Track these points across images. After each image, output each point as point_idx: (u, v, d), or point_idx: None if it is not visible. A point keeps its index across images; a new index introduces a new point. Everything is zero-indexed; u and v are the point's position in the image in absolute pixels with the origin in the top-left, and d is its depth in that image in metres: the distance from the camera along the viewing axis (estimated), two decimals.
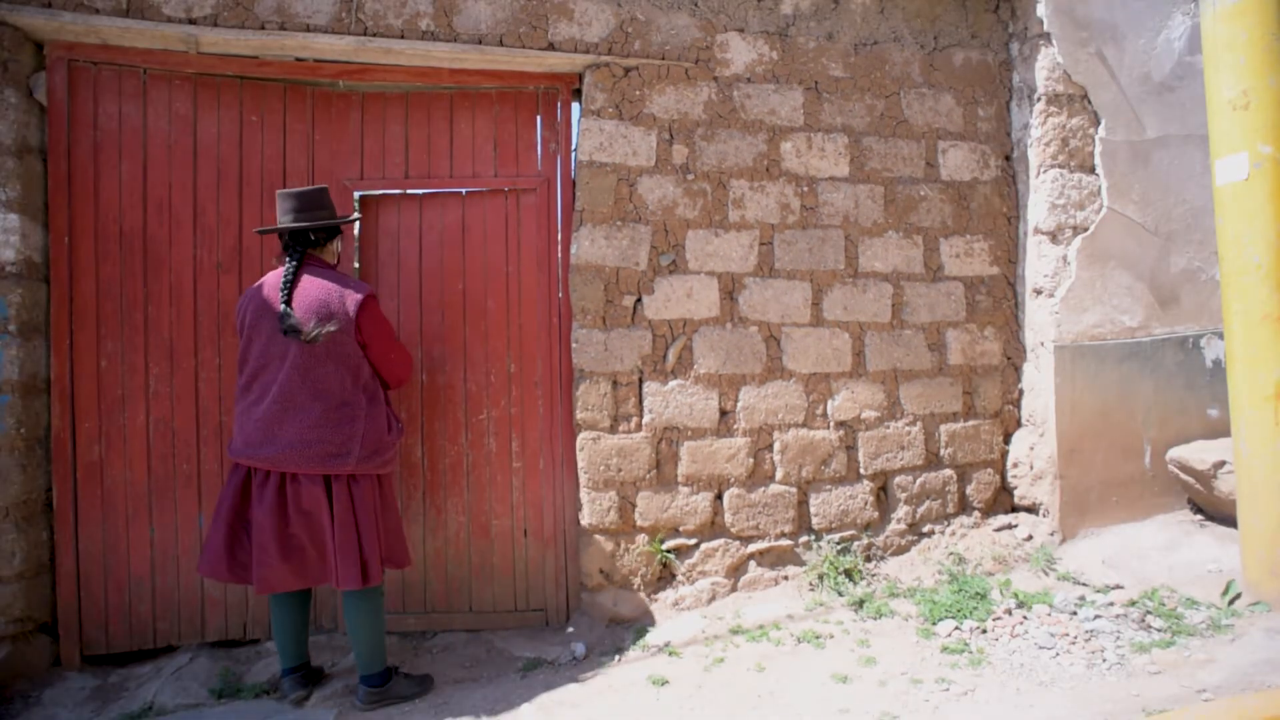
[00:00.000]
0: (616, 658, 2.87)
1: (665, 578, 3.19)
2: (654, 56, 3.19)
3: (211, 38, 2.85)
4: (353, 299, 2.49)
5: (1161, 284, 3.57)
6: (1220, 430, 3.44)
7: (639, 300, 3.17)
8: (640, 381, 3.17)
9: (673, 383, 3.19)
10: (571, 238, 3.14)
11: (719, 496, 3.24)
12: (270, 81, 3.03)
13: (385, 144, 3.12)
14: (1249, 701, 2.04)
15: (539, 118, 3.24)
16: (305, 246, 2.56)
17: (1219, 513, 3.33)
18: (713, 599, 3.16)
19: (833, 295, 3.37)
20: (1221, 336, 3.25)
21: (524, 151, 3.22)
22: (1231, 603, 2.79)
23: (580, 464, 3.12)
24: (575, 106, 3.24)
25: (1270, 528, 2.73)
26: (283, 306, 2.43)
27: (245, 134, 3.01)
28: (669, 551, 3.17)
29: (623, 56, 3.16)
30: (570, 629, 3.09)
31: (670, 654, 2.82)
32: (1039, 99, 3.46)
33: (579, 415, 3.11)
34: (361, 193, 3.10)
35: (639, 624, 3.06)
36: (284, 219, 2.55)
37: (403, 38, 2.97)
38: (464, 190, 3.17)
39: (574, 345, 3.12)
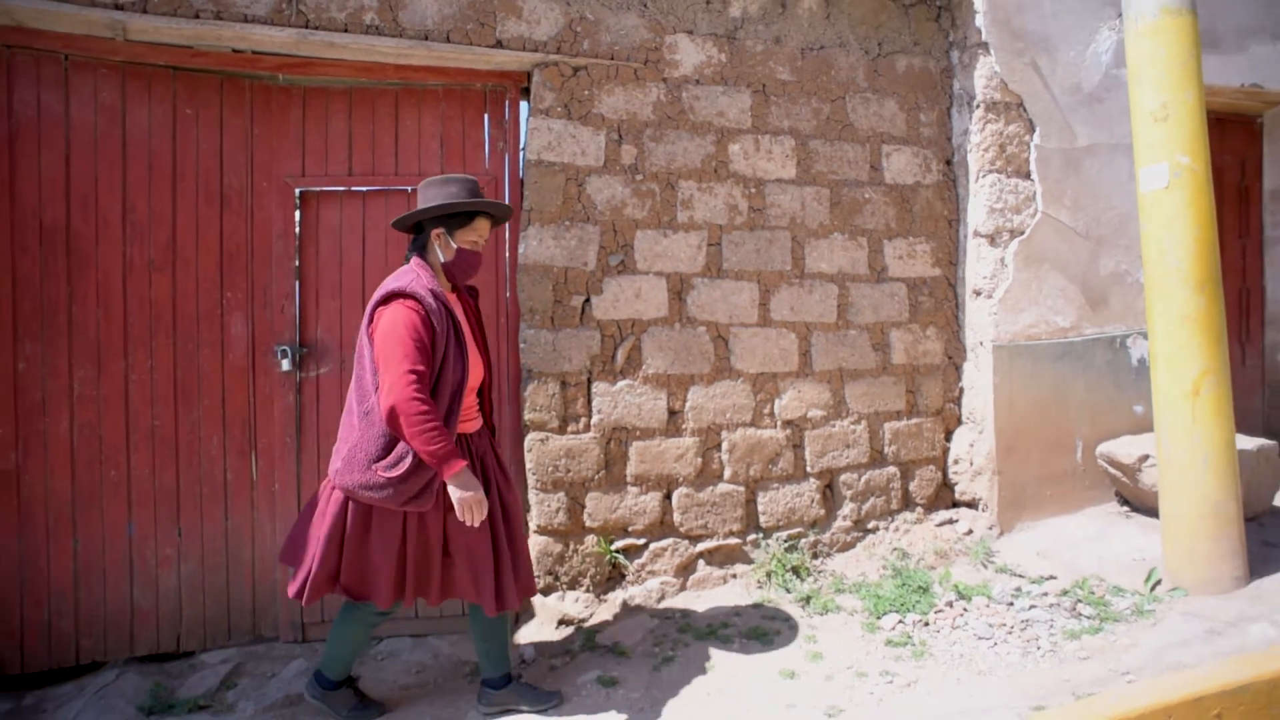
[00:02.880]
0: (566, 659, 2.86)
1: (615, 578, 3.19)
2: (603, 56, 3.19)
3: (140, 25, 2.73)
4: (379, 293, 2.27)
5: (1092, 286, 3.72)
6: (1145, 426, 3.60)
7: (587, 300, 3.17)
8: (589, 382, 3.16)
9: (621, 383, 3.19)
10: (519, 237, 3.12)
11: (668, 496, 3.25)
12: (206, 73, 2.92)
13: (328, 140, 3.05)
14: (1165, 681, 2.14)
15: (486, 116, 3.20)
16: (415, 242, 2.43)
17: (1143, 504, 3.48)
18: (662, 598, 3.18)
19: (780, 296, 3.41)
20: (1146, 337, 3.39)
21: (471, 150, 3.18)
22: (1154, 589, 2.92)
23: (528, 465, 3.10)
24: (524, 105, 3.22)
25: (1188, 517, 2.86)
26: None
27: (179, 127, 2.90)
28: (618, 552, 3.18)
29: (571, 56, 3.14)
30: (519, 631, 3.07)
31: (619, 654, 2.83)
32: (978, 106, 3.56)
33: (527, 416, 3.09)
34: (303, 189, 3.02)
35: (588, 625, 3.05)
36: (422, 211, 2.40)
37: (346, 31, 2.90)
38: (410, 188, 3.11)
39: (522, 345, 3.10)
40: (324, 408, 3.03)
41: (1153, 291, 2.95)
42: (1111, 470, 3.57)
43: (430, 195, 2.37)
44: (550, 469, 3.10)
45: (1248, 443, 3.29)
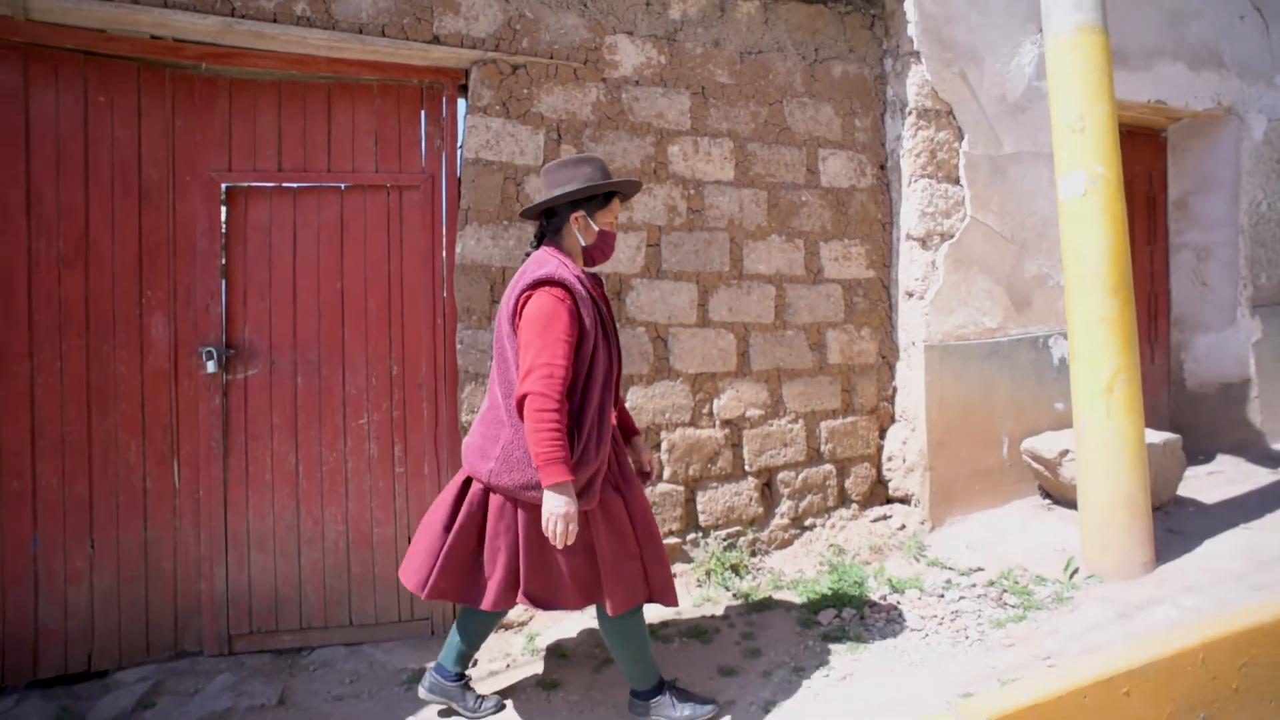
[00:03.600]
0: (506, 664, 2.83)
1: None
2: (542, 55, 3.16)
3: (45, 4, 2.56)
4: (522, 282, 2.13)
5: (1017, 288, 3.87)
6: (1065, 422, 3.76)
7: None
8: None
9: None
10: (457, 237, 3.07)
11: None
12: (121, 60, 2.78)
13: (256, 134, 2.94)
14: (1081, 664, 2.24)
15: (423, 113, 3.14)
16: (543, 229, 2.34)
17: (1064, 497, 3.64)
18: None
19: (719, 296, 3.45)
20: (1066, 337, 3.55)
21: (407, 147, 3.11)
22: (1072, 577, 3.05)
23: None
24: (461, 103, 3.17)
25: (1103, 508, 3.01)
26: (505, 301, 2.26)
27: (91, 115, 2.75)
28: None
29: (510, 54, 3.11)
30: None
31: (561, 657, 2.81)
32: (910, 113, 3.67)
33: (464, 417, 3.04)
34: (229, 184, 2.91)
35: (529, 628, 3.02)
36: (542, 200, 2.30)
37: (275, 22, 2.80)
38: (343, 185, 3.04)
39: (459, 346, 3.05)
40: (253, 411, 2.92)
41: (1072, 294, 3.09)
42: (1035, 465, 3.72)
43: (563, 177, 2.26)
44: None
45: (1155, 437, 3.48)
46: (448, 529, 2.22)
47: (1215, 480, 4.02)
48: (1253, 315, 4.55)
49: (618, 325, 3.25)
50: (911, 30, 3.61)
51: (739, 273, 3.49)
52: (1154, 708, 2.21)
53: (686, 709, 2.33)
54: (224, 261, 2.91)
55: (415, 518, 3.08)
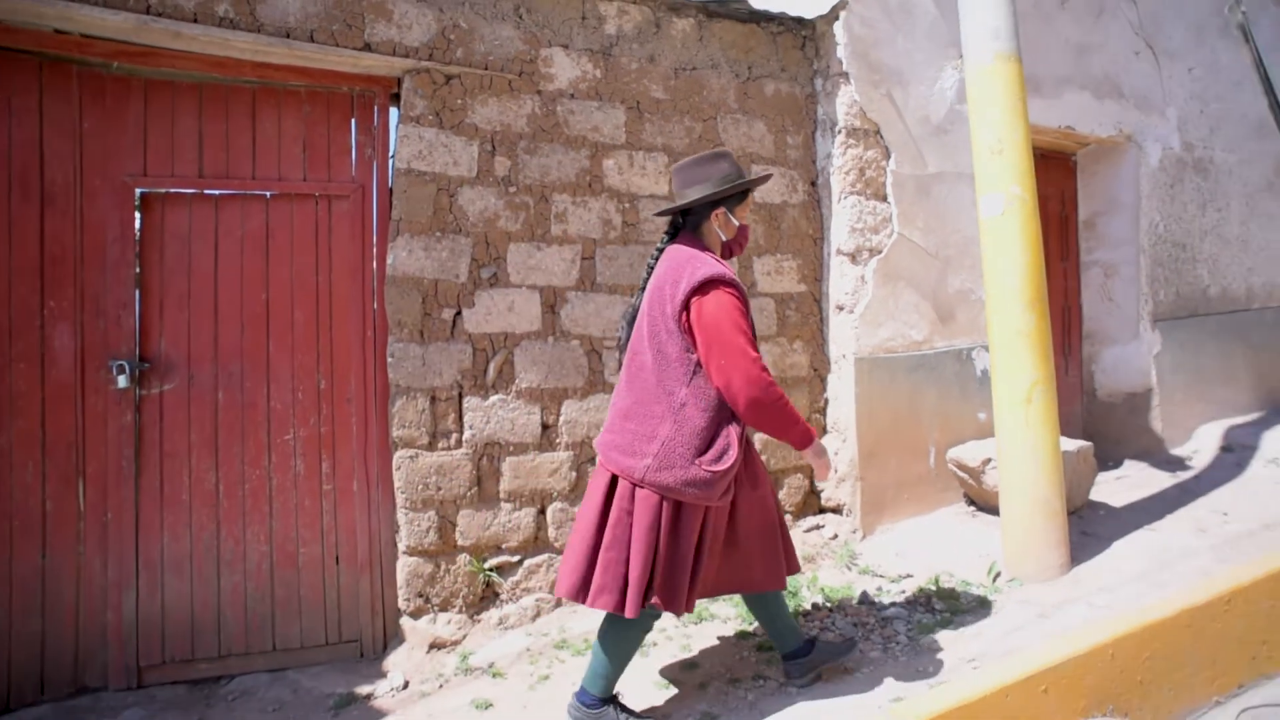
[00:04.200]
0: (438, 684, 2.76)
1: (488, 597, 3.11)
2: (477, 66, 3.14)
3: None
4: (689, 281, 2.12)
5: (942, 302, 4.01)
6: (988, 431, 3.91)
7: (459, 313, 3.09)
8: (460, 397, 3.08)
9: (494, 397, 3.13)
10: (388, 248, 3.01)
11: (542, 511, 3.21)
12: (21, 54, 2.62)
13: (175, 138, 2.82)
14: (1003, 664, 2.33)
15: (354, 121, 3.07)
16: (677, 227, 2.36)
17: (987, 504, 3.77)
18: (538, 615, 3.13)
19: None
20: (987, 349, 3.69)
21: (337, 156, 3.04)
22: (995, 580, 3.16)
23: (397, 483, 2.98)
24: (394, 112, 3.11)
25: (1022, 513, 3.13)
26: (637, 295, 2.35)
27: None
28: (492, 570, 3.10)
29: (444, 64, 3.07)
30: (388, 658, 2.93)
31: (494, 675, 2.76)
32: (840, 131, 3.77)
33: (396, 432, 2.97)
34: (145, 190, 2.78)
35: (462, 647, 2.96)
36: (676, 198, 2.34)
37: (196, 22, 2.69)
38: (269, 193, 2.94)
39: (390, 360, 2.98)
40: (170, 427, 2.79)
41: (992, 308, 3.21)
42: (960, 473, 3.85)
43: (700, 174, 2.28)
44: (420, 487, 2.99)
45: (1069, 444, 3.64)
46: (599, 530, 2.19)
47: (1123, 484, 4.23)
48: (1153, 329, 4.83)
49: (553, 338, 3.24)
50: (841, 52, 3.73)
51: None
52: (1069, 702, 2.31)
53: (835, 651, 2.54)
54: (138, 271, 2.78)
55: (344, 536, 2.98)
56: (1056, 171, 4.97)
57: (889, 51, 3.86)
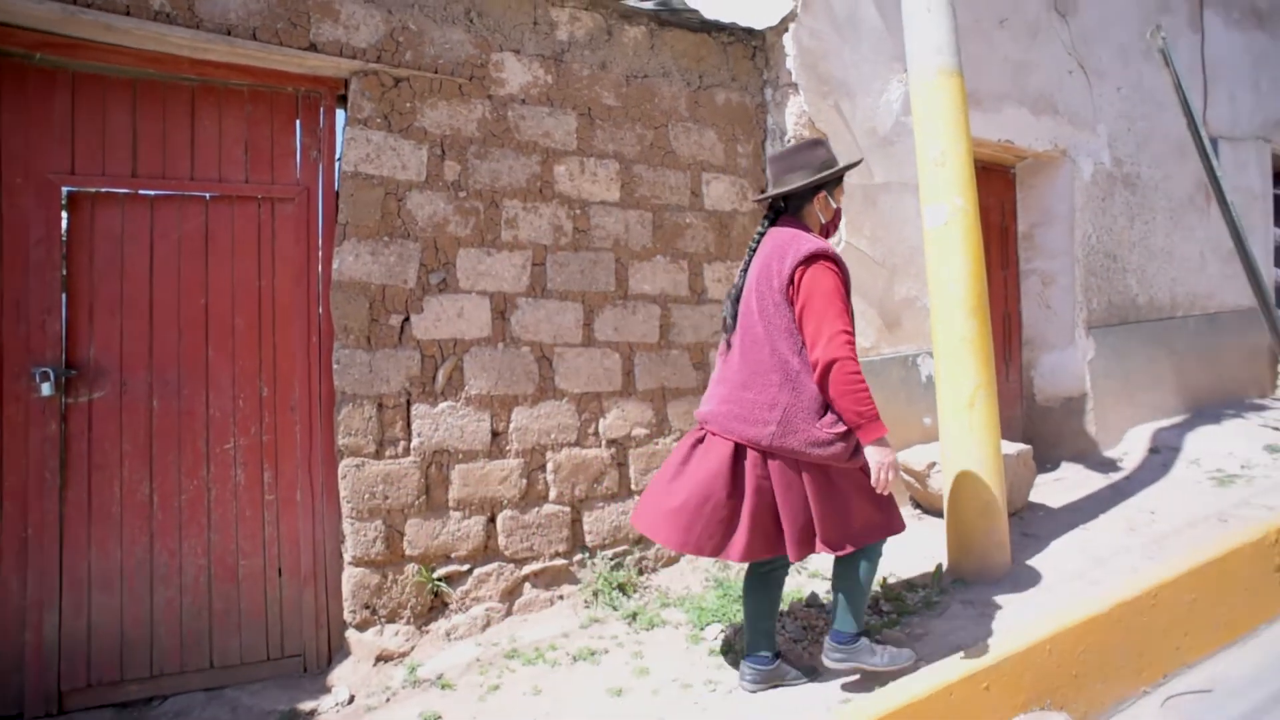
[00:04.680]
0: (385, 698, 2.70)
1: (437, 607, 3.06)
2: (427, 69, 3.10)
3: None
4: (795, 255, 2.26)
5: (888, 310, 4.10)
6: (932, 436, 4.00)
7: (407, 319, 3.04)
8: (408, 404, 3.03)
9: (443, 404, 3.09)
10: (334, 252, 2.94)
11: (492, 520, 3.18)
12: None
13: (106, 135, 2.71)
14: (946, 663, 2.39)
15: (299, 122, 3.00)
16: (778, 211, 2.50)
17: (932, 507, 3.86)
18: (487, 625, 3.09)
19: (604, 316, 3.46)
20: (932, 355, 3.78)
21: (281, 157, 2.96)
22: (940, 582, 3.24)
23: (343, 493, 2.91)
24: (340, 114, 3.05)
25: (966, 516, 3.21)
26: (740, 277, 2.45)
27: None
28: (441, 580, 3.05)
29: (393, 66, 3.03)
30: (333, 672, 2.86)
31: (443, 686, 2.71)
32: (789, 141, 3.83)
33: (341, 441, 2.90)
34: (72, 189, 2.66)
35: (410, 659, 2.90)
36: (774, 185, 2.48)
37: (129, 15, 2.59)
38: (208, 195, 2.85)
39: (336, 366, 2.91)
40: (99, 437, 2.67)
41: (936, 316, 3.30)
42: (906, 477, 3.93)
43: (800, 161, 2.43)
44: (367, 496, 2.93)
45: (1010, 448, 3.76)
46: (732, 496, 2.29)
47: (1060, 486, 4.39)
48: (1088, 336, 5.03)
49: (503, 345, 3.21)
50: (790, 63, 3.79)
51: (624, 293, 3.52)
52: (1010, 698, 2.38)
53: (886, 655, 2.46)
54: (65, 273, 2.66)
55: (287, 547, 2.90)
56: (997, 183, 5.14)
57: (837, 64, 3.95)
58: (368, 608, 2.92)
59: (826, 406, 2.26)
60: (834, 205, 2.52)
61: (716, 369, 2.49)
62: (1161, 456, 4.75)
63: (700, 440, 2.41)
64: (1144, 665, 2.62)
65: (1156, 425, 5.27)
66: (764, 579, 2.51)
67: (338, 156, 3.02)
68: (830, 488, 2.29)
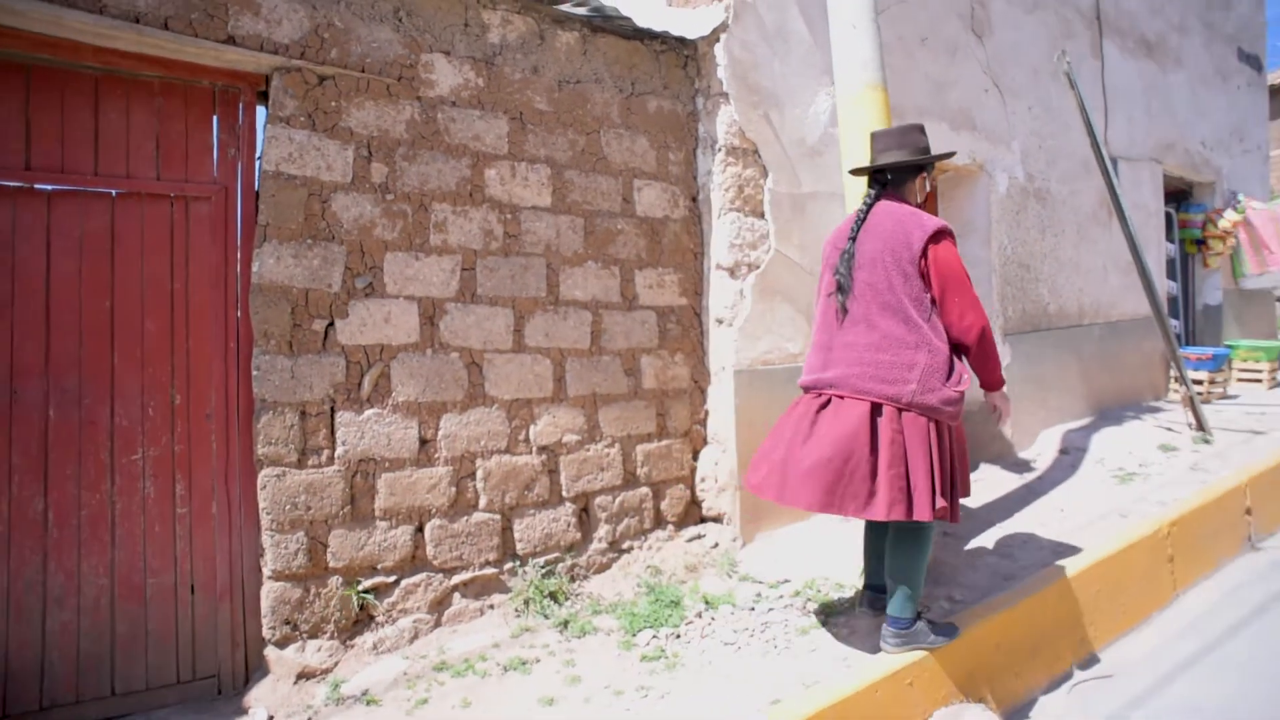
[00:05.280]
0: (307, 717, 2.60)
1: (363, 620, 2.97)
2: (353, 68, 3.02)
3: None
4: (922, 231, 2.46)
5: (816, 317, 4.19)
6: None
7: (331, 325, 2.95)
8: (333, 411, 2.94)
9: (369, 412, 3.00)
10: (254, 254, 2.83)
11: (420, 529, 3.10)
12: None
13: None
14: (870, 662, 2.45)
15: (216, 118, 2.88)
16: (883, 184, 2.65)
17: None
18: (415, 637, 3.01)
19: (535, 322, 3.44)
20: None
21: (196, 154, 2.84)
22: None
23: (263, 504, 2.79)
24: (261, 111, 2.94)
25: None
26: (848, 244, 2.58)
27: None
28: (366, 592, 2.96)
29: (318, 63, 2.94)
30: (250, 693, 2.74)
31: (369, 702, 2.63)
32: (720, 150, 3.89)
33: (261, 450, 2.79)
34: None
35: (333, 675, 2.80)
36: (875, 158, 2.67)
37: None
38: (114, 192, 2.70)
39: (255, 373, 2.80)
40: None
41: None
42: None
43: (903, 141, 2.65)
44: (288, 507, 2.82)
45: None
46: (872, 452, 2.40)
47: (980, 486, 4.56)
48: (1004, 342, 5.26)
49: (432, 351, 3.15)
50: (721, 73, 3.85)
51: (556, 298, 3.51)
52: (933, 693, 2.46)
53: (939, 637, 2.55)
54: None
55: (201, 563, 2.77)
56: None
57: (767, 75, 4.03)
58: (288, 623, 2.81)
59: (952, 368, 2.46)
60: (929, 187, 2.77)
61: (822, 336, 2.64)
62: (1070, 457, 5.01)
63: (824, 405, 2.53)
64: (1054, 656, 2.75)
65: (1066, 427, 5.55)
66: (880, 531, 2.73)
67: (258, 155, 2.91)
68: (943, 448, 2.47)
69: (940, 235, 2.50)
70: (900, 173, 2.67)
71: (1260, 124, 8.97)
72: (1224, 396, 6.72)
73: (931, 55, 4.91)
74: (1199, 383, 6.54)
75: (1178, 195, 8.03)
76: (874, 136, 2.74)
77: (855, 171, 2.81)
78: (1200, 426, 5.21)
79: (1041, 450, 5.22)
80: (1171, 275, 7.84)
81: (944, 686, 2.50)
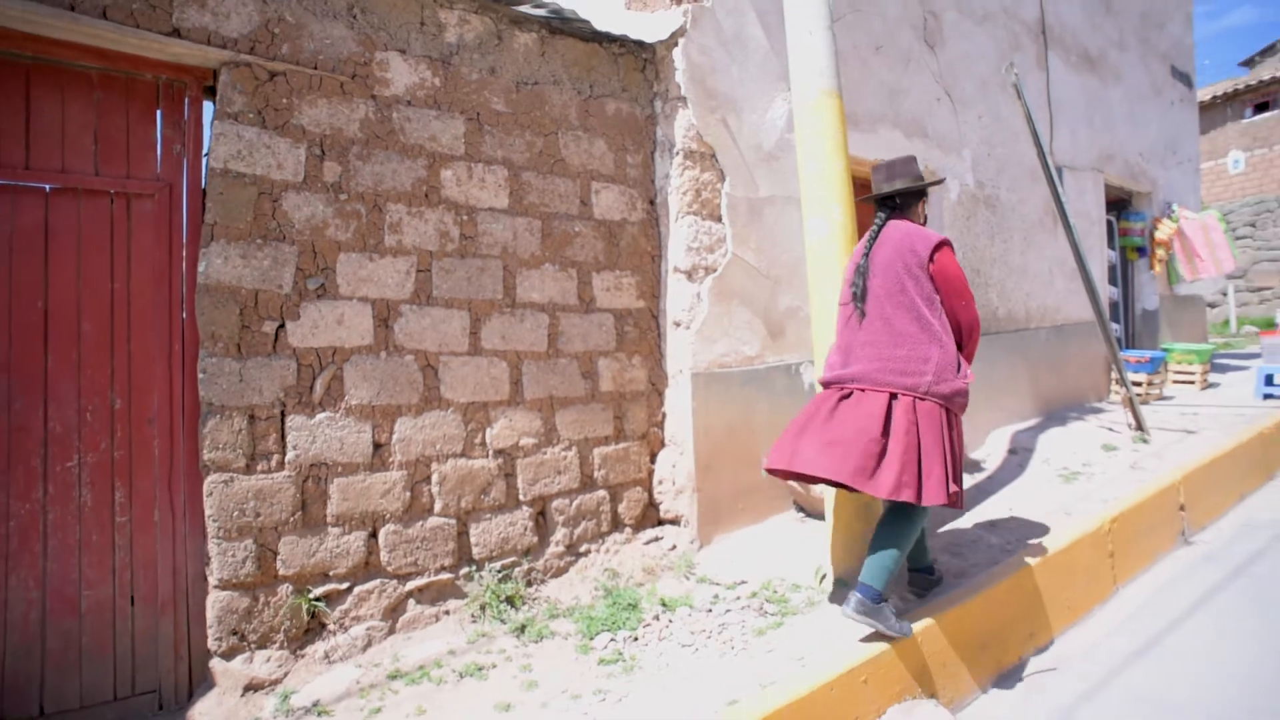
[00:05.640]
0: None
1: (314, 629, 2.90)
2: (305, 64, 2.96)
3: None
4: (926, 243, 2.78)
5: (773, 319, 4.24)
6: None
7: (282, 326, 2.88)
8: (283, 415, 2.87)
9: (321, 415, 2.94)
10: (201, 254, 2.75)
11: (374, 535, 3.05)
12: None
13: None
14: (827, 660, 2.48)
15: (160, 113, 2.79)
16: (891, 208, 2.98)
17: (815, 510, 4.01)
18: (369, 645, 2.95)
19: (491, 324, 3.40)
20: (814, 364, 3.94)
21: (139, 150, 2.75)
22: (822, 582, 3.36)
23: (209, 511, 2.71)
24: (209, 106, 2.86)
25: (846, 519, 3.34)
26: (863, 259, 2.88)
27: None
28: (318, 599, 2.89)
29: (268, 59, 2.87)
30: (194, 707, 2.65)
31: (320, 713, 2.57)
32: (678, 153, 3.90)
33: (207, 455, 2.71)
34: None
35: (283, 686, 2.73)
36: (879, 187, 3.01)
37: None
38: (48, 186, 2.60)
39: (202, 376, 2.72)
40: None
41: (817, 325, 3.43)
42: (790, 482, 4.06)
43: (905, 171, 3.00)
44: (236, 514, 2.74)
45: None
46: (885, 434, 2.60)
47: None
48: None
49: (386, 353, 3.10)
50: (679, 77, 3.87)
51: (512, 300, 3.48)
52: (886, 689, 2.49)
53: (900, 625, 2.63)
54: None
55: (142, 573, 2.67)
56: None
57: (725, 80, 4.06)
58: (235, 633, 2.73)
59: (959, 362, 2.71)
60: (927, 212, 3.17)
61: (842, 338, 2.90)
62: (1018, 457, 5.15)
63: (845, 396, 2.75)
64: (1003, 650, 2.82)
65: (1015, 428, 5.70)
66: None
67: (205, 152, 2.83)
68: (954, 437, 2.67)
69: (943, 244, 2.82)
70: (906, 197, 3.02)
71: (1191, 138, 9.38)
72: (1160, 398, 6.99)
73: (886, 64, 5.01)
74: (1138, 384, 6.78)
75: (1118, 204, 8.34)
76: (877, 168, 3.07)
77: (866, 199, 3.12)
78: (1139, 427, 5.40)
79: (992, 450, 5.35)
80: (1113, 281, 8.14)
81: (898, 683, 2.54)
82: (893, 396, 2.65)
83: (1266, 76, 20.38)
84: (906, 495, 2.50)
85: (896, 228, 2.91)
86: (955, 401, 2.67)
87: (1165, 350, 7.63)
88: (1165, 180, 8.61)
